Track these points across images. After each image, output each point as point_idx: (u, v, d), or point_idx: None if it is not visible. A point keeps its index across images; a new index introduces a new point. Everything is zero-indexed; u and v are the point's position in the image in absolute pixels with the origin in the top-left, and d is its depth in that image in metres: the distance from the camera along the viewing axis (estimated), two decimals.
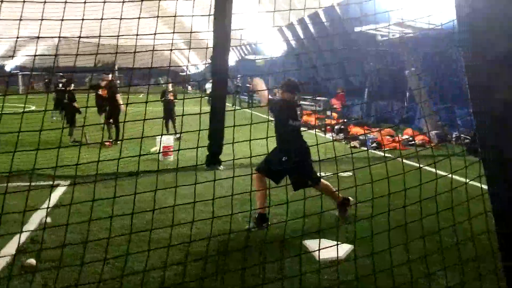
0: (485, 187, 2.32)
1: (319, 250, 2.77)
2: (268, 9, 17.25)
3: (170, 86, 11.64)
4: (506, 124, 1.49)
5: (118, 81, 12.83)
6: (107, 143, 9.65)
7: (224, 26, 7.08)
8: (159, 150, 8.36)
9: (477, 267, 3.30)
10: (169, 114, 11.13)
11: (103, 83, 12.50)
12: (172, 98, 11.46)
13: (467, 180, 2.71)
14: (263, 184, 4.53)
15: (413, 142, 9.65)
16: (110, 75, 10.60)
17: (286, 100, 4.60)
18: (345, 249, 3.80)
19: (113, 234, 4.20)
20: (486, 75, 1.51)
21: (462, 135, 9.57)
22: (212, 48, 7.37)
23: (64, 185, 6.28)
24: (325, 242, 3.95)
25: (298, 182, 4.47)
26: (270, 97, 4.79)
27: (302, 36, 19.91)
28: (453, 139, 9.86)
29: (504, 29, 1.45)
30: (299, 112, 4.64)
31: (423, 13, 8.50)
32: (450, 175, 2.74)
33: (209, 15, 7.06)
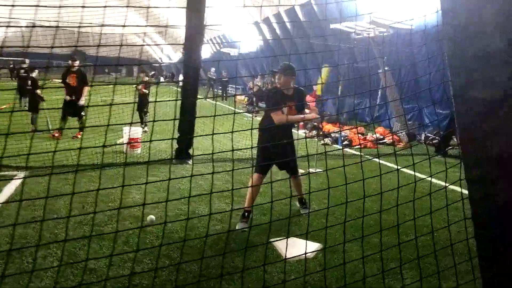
0: (455, 188, 2.28)
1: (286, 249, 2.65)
2: (245, 3, 17.05)
3: (144, 77, 10.98)
4: (484, 123, 1.42)
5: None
6: (56, 134, 8.85)
7: (198, 17, 6.87)
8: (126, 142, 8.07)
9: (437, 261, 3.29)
10: (141, 106, 10.73)
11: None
12: (143, 89, 10.85)
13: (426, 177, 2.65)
14: (259, 185, 4.48)
15: (384, 140, 9.74)
16: (77, 62, 9.77)
17: (281, 90, 4.52)
18: (313, 247, 3.71)
19: (71, 230, 4.00)
20: (465, 72, 1.44)
21: (430, 135, 9.73)
22: (184, 40, 7.15)
23: (20, 177, 5.94)
24: (292, 240, 3.86)
25: (288, 167, 4.63)
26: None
27: (278, 31, 19.80)
28: (422, 139, 10.01)
29: (482, 25, 1.38)
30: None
31: (396, 12, 8.55)
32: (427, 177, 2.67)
33: (184, 7, 6.88)
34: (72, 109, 8.96)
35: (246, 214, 4.42)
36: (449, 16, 1.46)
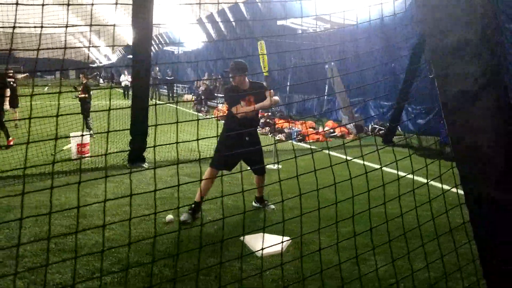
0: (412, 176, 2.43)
1: (262, 248, 2.69)
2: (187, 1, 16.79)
3: (83, 78, 10.40)
4: (460, 118, 1.53)
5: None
6: None
7: (146, 16, 6.67)
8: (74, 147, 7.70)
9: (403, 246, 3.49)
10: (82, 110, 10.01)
11: None
12: (82, 93, 10.08)
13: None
14: (211, 179, 4.53)
15: (334, 134, 10.08)
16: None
17: (237, 87, 4.56)
18: (284, 241, 3.78)
19: (28, 245, 3.76)
20: (442, 66, 1.53)
21: (376, 126, 10.22)
22: (132, 39, 6.93)
23: None
24: (262, 236, 3.90)
25: (253, 161, 4.61)
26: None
27: (222, 28, 19.74)
28: (369, 130, 10.49)
29: (455, 16, 1.48)
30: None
31: (340, 8, 8.85)
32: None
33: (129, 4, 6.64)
34: None
35: (194, 205, 4.46)
36: (424, 10, 1.55)
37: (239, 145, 4.34)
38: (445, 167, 2.59)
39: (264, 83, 5.02)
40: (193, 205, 4.47)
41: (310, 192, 3.52)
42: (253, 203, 4.95)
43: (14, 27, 1.75)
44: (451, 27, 1.52)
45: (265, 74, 6.08)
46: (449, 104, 1.57)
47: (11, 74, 11.18)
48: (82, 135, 7.97)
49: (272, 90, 4.71)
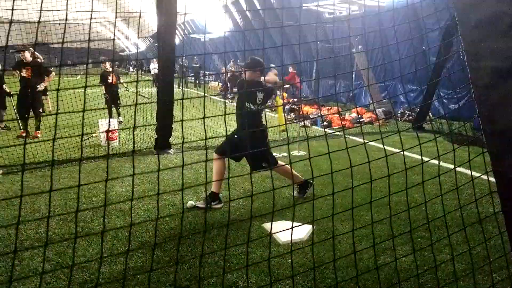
0: (448, 165, 2.32)
1: (284, 232, 2.64)
2: None
3: (108, 66, 10.06)
4: (494, 94, 1.42)
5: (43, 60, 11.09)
6: (23, 134, 8.25)
7: (170, 3, 6.66)
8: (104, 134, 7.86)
9: (429, 239, 3.37)
10: (112, 98, 9.95)
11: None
12: (114, 80, 10.06)
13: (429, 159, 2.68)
14: (220, 165, 4.45)
15: (362, 119, 9.86)
16: (28, 53, 8.79)
17: (249, 82, 4.49)
18: (306, 230, 3.73)
19: (56, 228, 3.87)
20: (473, 40, 1.42)
21: (406, 112, 9.92)
22: (156, 27, 6.94)
23: None
24: (284, 224, 3.87)
25: (253, 163, 4.48)
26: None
27: (248, 14, 19.55)
28: (398, 115, 10.20)
29: None
30: (260, 96, 4.44)
31: None
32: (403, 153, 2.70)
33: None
34: (27, 104, 8.38)
35: (213, 194, 4.43)
36: None
37: (242, 146, 4.25)
38: (475, 153, 2.45)
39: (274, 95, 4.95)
40: (212, 194, 4.44)
41: (326, 174, 3.44)
42: (295, 193, 4.75)
43: (37, 20, 1.74)
44: (483, 0, 1.40)
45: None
46: (480, 82, 1.46)
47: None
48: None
49: (274, 70, 4.62)
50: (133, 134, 1.70)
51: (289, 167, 4.41)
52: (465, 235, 2.50)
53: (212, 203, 4.43)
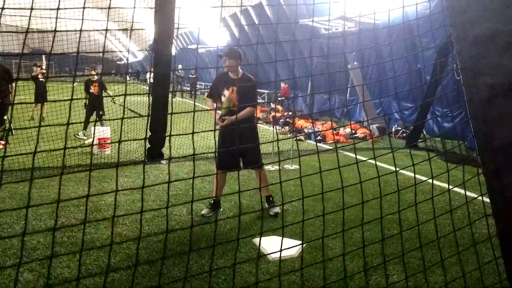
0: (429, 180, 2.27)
1: (280, 251, 2.58)
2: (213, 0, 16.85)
3: (94, 73, 9.67)
4: (492, 111, 1.39)
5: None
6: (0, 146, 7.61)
7: (168, 14, 6.66)
8: (93, 142, 7.77)
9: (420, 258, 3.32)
10: (92, 108, 9.36)
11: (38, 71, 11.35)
12: (96, 90, 9.39)
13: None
14: (222, 179, 4.58)
15: (356, 135, 9.85)
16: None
17: (227, 74, 4.45)
18: (296, 246, 3.66)
19: (42, 237, 3.77)
20: (470, 57, 1.40)
21: (400, 129, 9.94)
22: (154, 37, 6.93)
23: None
24: (275, 239, 3.80)
25: (247, 160, 4.52)
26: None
27: (245, 27, 19.69)
28: (393, 132, 10.22)
29: (483, 6, 1.35)
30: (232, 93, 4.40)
31: (365, 7, 8.63)
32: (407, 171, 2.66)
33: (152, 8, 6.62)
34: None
35: (213, 202, 4.54)
36: (451, 1, 1.42)
37: (232, 144, 4.21)
38: (470, 173, 2.42)
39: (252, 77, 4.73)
40: (212, 201, 4.55)
41: (318, 194, 3.39)
42: (266, 204, 4.79)
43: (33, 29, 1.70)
44: (481, 17, 1.38)
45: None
46: (477, 98, 1.43)
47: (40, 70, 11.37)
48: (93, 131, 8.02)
49: (232, 118, 4.28)
50: (118, 151, 1.65)
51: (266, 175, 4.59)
52: (459, 258, 2.45)
53: (216, 209, 4.53)
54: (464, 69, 1.46)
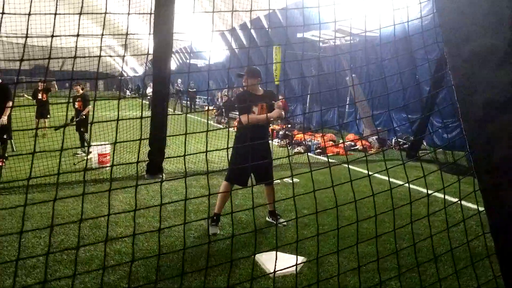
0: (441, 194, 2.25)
1: (274, 270, 2.55)
2: (209, 13, 17.01)
3: (79, 89, 9.43)
4: (488, 128, 1.38)
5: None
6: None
7: (166, 29, 6.71)
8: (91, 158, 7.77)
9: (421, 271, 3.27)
10: (77, 125, 9.17)
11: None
12: (79, 105, 9.20)
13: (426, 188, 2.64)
14: (227, 192, 4.51)
15: (356, 147, 9.84)
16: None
17: (250, 92, 4.52)
18: (299, 262, 3.63)
19: (41, 254, 3.75)
20: (464, 74, 1.40)
21: (400, 140, 9.93)
22: (152, 52, 6.97)
23: None
24: (277, 256, 3.76)
25: (261, 175, 4.53)
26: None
27: (244, 40, 19.85)
28: (392, 144, 10.21)
29: (476, 23, 1.35)
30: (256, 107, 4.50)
31: (362, 20, 8.69)
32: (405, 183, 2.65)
33: (150, 13, 6.70)
34: None
35: (215, 217, 4.51)
36: (443, 16, 1.43)
37: (252, 158, 4.29)
38: (469, 184, 2.41)
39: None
40: (214, 217, 4.52)
41: (326, 210, 3.39)
42: (267, 218, 4.83)
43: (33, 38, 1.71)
44: (474, 34, 1.39)
45: (276, 83, 5.95)
46: (473, 116, 1.43)
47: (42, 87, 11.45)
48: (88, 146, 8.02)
49: (280, 102, 4.61)
50: (111, 173, 1.64)
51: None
52: (456, 276, 2.42)
53: (212, 223, 4.48)
54: (458, 86, 1.46)
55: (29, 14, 1.80)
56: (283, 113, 4.55)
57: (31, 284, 3.21)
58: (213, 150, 1.91)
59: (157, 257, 3.72)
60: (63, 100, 11.99)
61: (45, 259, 3.68)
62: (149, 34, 2.39)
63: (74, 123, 9.19)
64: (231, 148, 4.72)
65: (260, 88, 4.59)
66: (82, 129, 9.17)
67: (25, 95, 11.47)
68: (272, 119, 4.61)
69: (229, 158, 4.65)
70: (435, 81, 7.77)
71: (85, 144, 9.12)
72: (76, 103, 9.26)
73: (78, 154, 8.99)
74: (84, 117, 9.11)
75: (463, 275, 3.24)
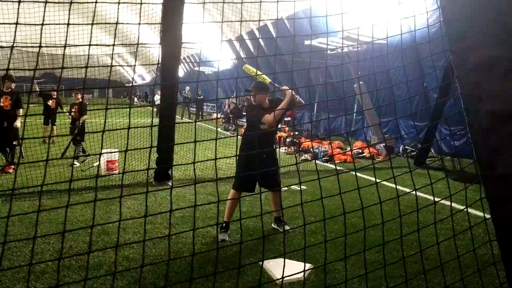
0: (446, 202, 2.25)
1: (282, 277, 2.56)
2: (217, 21, 17.16)
3: (78, 96, 9.31)
4: (494, 138, 1.39)
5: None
6: (10, 170, 7.77)
7: (174, 36, 6.80)
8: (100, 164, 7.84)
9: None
10: (73, 133, 8.88)
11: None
12: (75, 113, 9.01)
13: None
14: (236, 200, 4.61)
15: (363, 154, 9.82)
16: (13, 84, 8.43)
17: (258, 104, 4.58)
18: (306, 268, 3.63)
19: (47, 258, 3.79)
20: (470, 83, 1.42)
21: (408, 148, 9.90)
22: (160, 59, 7.05)
23: None
24: (283, 262, 3.77)
25: (268, 182, 4.58)
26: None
27: (251, 48, 19.97)
28: (400, 151, 10.18)
29: (482, 33, 1.37)
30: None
31: (370, 28, 8.72)
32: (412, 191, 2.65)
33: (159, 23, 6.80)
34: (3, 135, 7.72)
35: (224, 225, 4.56)
36: (450, 26, 1.45)
37: (256, 165, 4.29)
38: (478, 192, 2.41)
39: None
40: (223, 224, 4.58)
41: (333, 217, 3.40)
42: (273, 225, 4.84)
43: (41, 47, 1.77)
44: (480, 43, 1.40)
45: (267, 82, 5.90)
46: (478, 125, 1.44)
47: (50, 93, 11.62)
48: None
49: (284, 86, 4.58)
50: (122, 182, 1.67)
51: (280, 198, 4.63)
52: (462, 283, 2.41)
53: (221, 230, 4.55)
54: (465, 96, 1.48)
55: (43, 24, 1.85)
56: (293, 93, 4.45)
57: None
58: (222, 158, 1.94)
59: (166, 263, 3.74)
60: (63, 110, 12.02)
61: (54, 264, 3.72)
62: (159, 44, 2.44)
63: (76, 131, 8.87)
64: (238, 158, 4.76)
65: (267, 100, 4.63)
66: (78, 138, 8.88)
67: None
68: (289, 106, 4.53)
69: (236, 166, 4.69)
70: (443, 89, 7.76)
71: (81, 153, 8.93)
72: (72, 111, 9.10)
73: (75, 164, 8.64)
74: (80, 126, 8.86)
75: (470, 284, 3.22)
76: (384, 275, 2.50)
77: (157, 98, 23.61)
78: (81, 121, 8.94)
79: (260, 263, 3.73)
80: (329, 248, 4.10)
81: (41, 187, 1.48)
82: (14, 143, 8.02)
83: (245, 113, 4.91)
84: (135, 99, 42.60)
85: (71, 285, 3.31)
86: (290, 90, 4.46)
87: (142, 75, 43.42)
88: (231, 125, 17.37)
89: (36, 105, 13.95)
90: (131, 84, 43.62)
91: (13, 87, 8.02)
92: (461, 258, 3.68)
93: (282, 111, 4.43)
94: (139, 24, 1.73)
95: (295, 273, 2.11)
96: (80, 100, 9.26)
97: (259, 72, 4.74)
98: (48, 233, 4.54)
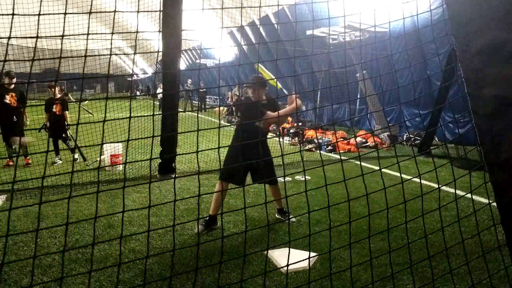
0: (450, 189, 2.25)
1: (288, 264, 2.57)
2: (217, 12, 17.05)
3: (57, 92, 8.76)
4: (498, 123, 1.38)
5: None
6: (10, 163, 7.94)
7: (175, 27, 6.76)
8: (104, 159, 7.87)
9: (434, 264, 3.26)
10: (54, 130, 8.39)
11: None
12: (58, 109, 8.40)
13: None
14: (224, 193, 4.51)
15: (367, 144, 9.80)
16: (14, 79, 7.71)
17: (257, 99, 4.55)
18: (311, 258, 3.64)
19: (56, 254, 3.81)
20: (474, 68, 1.40)
21: (412, 136, 9.86)
22: (161, 52, 7.03)
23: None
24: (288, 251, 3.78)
25: (257, 175, 4.51)
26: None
27: (253, 39, 19.85)
28: (404, 140, 10.14)
29: (486, 17, 1.35)
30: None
31: (371, 14, 8.64)
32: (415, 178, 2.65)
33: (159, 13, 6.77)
34: (11, 131, 7.66)
35: (208, 218, 4.46)
36: (453, 9, 1.43)
37: (245, 158, 4.22)
38: (480, 178, 2.40)
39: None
40: (207, 218, 4.49)
41: (338, 204, 3.41)
42: (276, 215, 4.85)
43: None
44: (484, 27, 1.38)
45: (278, 87, 5.91)
46: (482, 110, 1.42)
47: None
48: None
49: (292, 96, 4.60)
50: (124, 174, 1.68)
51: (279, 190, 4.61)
52: (468, 268, 2.41)
53: (211, 226, 4.45)
54: (468, 80, 1.46)
55: (39, 15, 1.84)
56: (299, 102, 4.46)
57: (47, 281, 3.28)
58: (225, 146, 1.93)
59: (171, 254, 3.77)
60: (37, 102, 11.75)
61: (61, 258, 3.75)
62: (159, 31, 2.42)
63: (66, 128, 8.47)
64: (228, 149, 4.67)
65: (264, 96, 4.62)
66: (64, 136, 8.49)
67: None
68: (290, 111, 4.57)
69: (224, 158, 4.62)
70: (446, 74, 7.69)
71: (69, 145, 8.71)
72: (55, 107, 8.42)
73: (55, 163, 8.40)
74: (67, 126, 8.48)
75: (475, 269, 3.22)
76: (390, 262, 2.51)
77: (160, 91, 23.63)
78: (67, 121, 8.50)
79: (265, 252, 3.75)
80: (333, 237, 4.11)
81: (42, 179, 1.48)
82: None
83: (245, 103, 4.85)
84: (137, 93, 42.56)
85: (78, 278, 3.34)
86: (299, 101, 4.43)
87: (144, 69, 43.36)
88: (234, 117, 17.34)
89: (37, 101, 13.95)
90: (131, 75, 43.60)
91: (13, 82, 8.05)
92: (466, 244, 3.69)
93: (286, 111, 4.47)
94: (138, 12, 1.72)
95: (300, 260, 2.12)
96: (60, 95, 8.80)
97: (272, 76, 4.75)
98: (53, 225, 4.56)
